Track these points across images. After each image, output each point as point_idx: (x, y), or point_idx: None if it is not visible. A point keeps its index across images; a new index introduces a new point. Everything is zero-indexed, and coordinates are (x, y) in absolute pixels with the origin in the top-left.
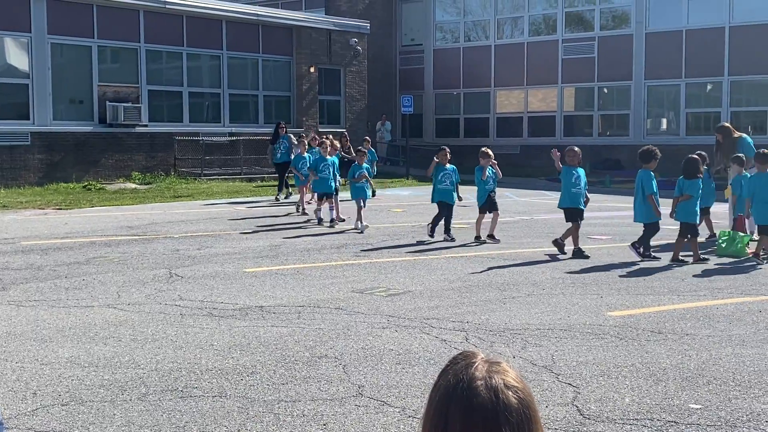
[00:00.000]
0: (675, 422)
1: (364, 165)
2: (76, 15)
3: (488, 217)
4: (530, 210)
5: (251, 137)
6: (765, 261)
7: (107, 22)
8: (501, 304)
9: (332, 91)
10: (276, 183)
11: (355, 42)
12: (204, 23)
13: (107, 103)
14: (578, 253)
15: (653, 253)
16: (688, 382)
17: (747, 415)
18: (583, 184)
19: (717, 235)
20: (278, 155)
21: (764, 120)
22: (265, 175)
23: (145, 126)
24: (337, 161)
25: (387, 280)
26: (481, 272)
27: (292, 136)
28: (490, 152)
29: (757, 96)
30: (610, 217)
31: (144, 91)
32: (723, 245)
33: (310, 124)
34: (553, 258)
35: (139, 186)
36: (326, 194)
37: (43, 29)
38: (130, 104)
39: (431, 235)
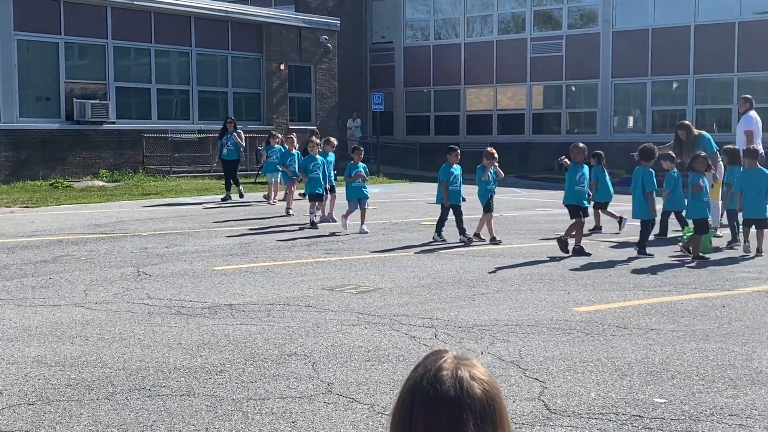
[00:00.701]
0: (639, 416)
1: (360, 164)
2: (43, 11)
3: (476, 214)
4: (498, 207)
5: None
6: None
7: (74, 19)
8: (470, 301)
9: (302, 88)
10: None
11: (326, 39)
12: (172, 19)
13: (74, 100)
14: (579, 251)
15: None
16: (652, 376)
17: (710, 409)
18: (586, 182)
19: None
20: (225, 151)
21: (729, 118)
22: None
23: (113, 123)
24: (332, 159)
25: (357, 277)
26: (450, 269)
27: (240, 131)
28: (495, 153)
29: (722, 94)
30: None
31: (111, 88)
32: (687, 240)
33: (280, 121)
34: (554, 258)
35: (106, 184)
36: (317, 195)
37: (10, 25)
38: (97, 101)
39: (439, 237)
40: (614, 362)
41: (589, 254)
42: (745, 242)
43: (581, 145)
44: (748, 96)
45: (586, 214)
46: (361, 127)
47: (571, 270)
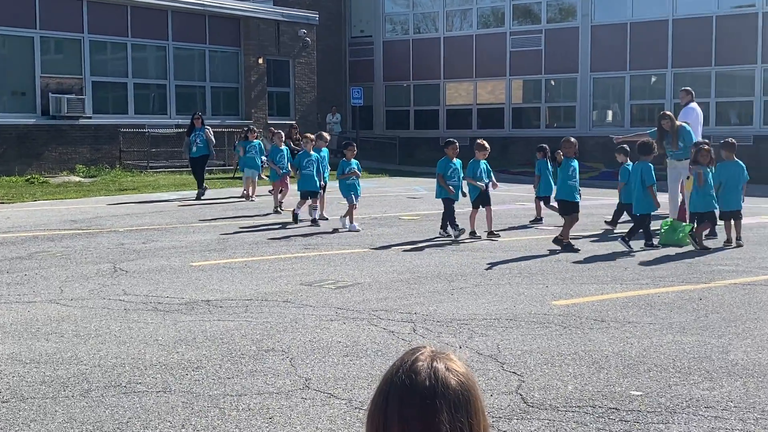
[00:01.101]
0: (616, 409)
1: (353, 161)
2: (18, 5)
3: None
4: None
5: None
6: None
7: (49, 13)
8: (449, 295)
9: (281, 82)
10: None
11: (304, 33)
12: (149, 13)
13: (50, 94)
14: (568, 247)
15: (630, 244)
16: (629, 369)
17: (686, 401)
18: (578, 176)
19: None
20: (194, 149)
21: (707, 111)
22: (213, 168)
23: (89, 118)
24: (326, 155)
25: (336, 272)
26: (429, 264)
27: (209, 128)
28: (487, 145)
29: (700, 88)
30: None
31: (88, 82)
32: (665, 234)
33: (258, 116)
34: (553, 251)
35: (83, 179)
36: (311, 193)
37: None
38: (73, 96)
39: (445, 233)
40: (591, 355)
41: (578, 250)
42: (728, 236)
43: (572, 139)
44: (689, 88)
45: (577, 210)
46: (341, 122)
47: (550, 264)
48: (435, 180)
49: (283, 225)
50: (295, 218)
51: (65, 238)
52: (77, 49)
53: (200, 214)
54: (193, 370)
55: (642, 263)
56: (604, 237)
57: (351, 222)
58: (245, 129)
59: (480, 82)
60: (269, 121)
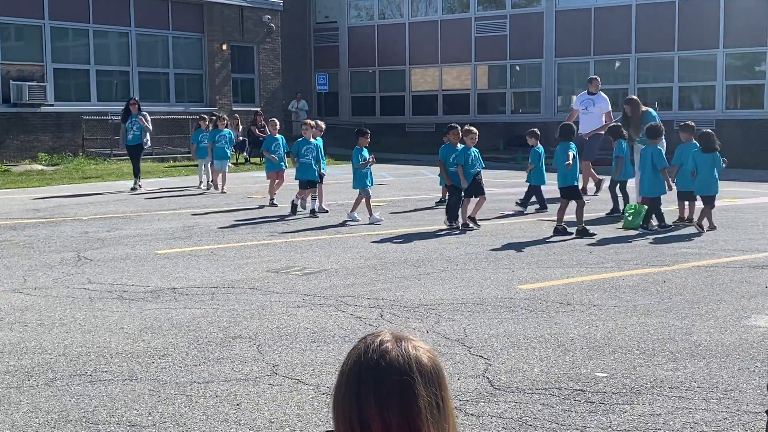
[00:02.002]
0: (582, 390)
1: (365, 149)
2: None
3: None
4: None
5: (162, 116)
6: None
7: None
8: (415, 281)
9: (246, 69)
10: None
11: (268, 19)
12: None
13: (11, 82)
14: (562, 231)
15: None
16: (594, 351)
17: (650, 382)
18: (577, 162)
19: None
20: (130, 136)
21: (670, 96)
22: (178, 155)
23: (51, 105)
24: (321, 144)
25: (303, 259)
26: (396, 249)
27: (146, 114)
28: (474, 129)
29: (663, 73)
30: (522, 193)
31: (49, 69)
32: (629, 218)
33: (223, 102)
34: (563, 238)
35: (46, 167)
36: (309, 182)
37: None
38: (34, 83)
39: (451, 224)
40: (557, 338)
41: (571, 233)
42: (681, 215)
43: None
44: (597, 77)
45: (579, 194)
46: (306, 110)
47: (516, 249)
48: (395, 166)
49: (282, 217)
50: (294, 209)
51: (28, 227)
52: (38, 35)
53: (187, 208)
54: (159, 358)
55: (606, 247)
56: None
57: (371, 213)
58: (213, 117)
59: (445, 68)
60: (234, 108)
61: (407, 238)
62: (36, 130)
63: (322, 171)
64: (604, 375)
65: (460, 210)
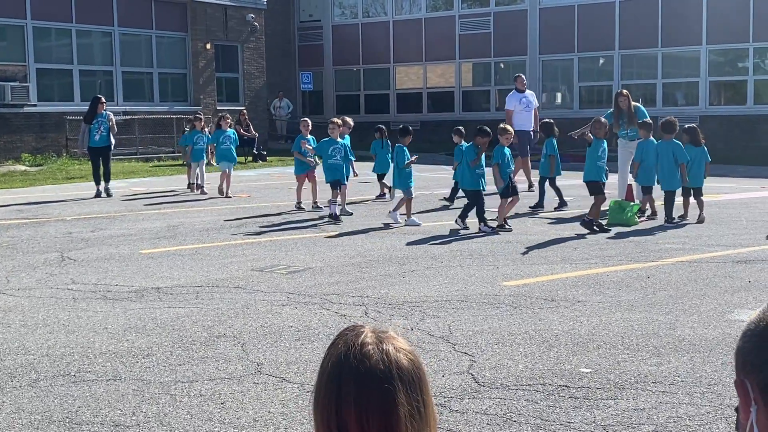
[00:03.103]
0: (566, 386)
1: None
2: None
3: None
4: (429, 185)
5: (147, 116)
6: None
7: None
8: (400, 278)
9: (230, 68)
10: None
11: (252, 18)
12: None
13: None
14: (589, 224)
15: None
16: (579, 347)
17: (634, 377)
18: (606, 157)
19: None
20: (96, 137)
21: (654, 92)
22: (162, 155)
23: (34, 106)
24: (348, 142)
25: (287, 257)
26: (381, 247)
27: (111, 114)
28: (510, 128)
29: (647, 69)
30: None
31: (32, 69)
32: (611, 214)
33: (208, 102)
34: (581, 236)
35: (29, 168)
36: (338, 183)
37: None
38: (17, 83)
39: (487, 227)
40: (542, 334)
41: (608, 230)
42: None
43: (603, 119)
44: (522, 75)
45: (603, 190)
46: (288, 108)
47: (501, 245)
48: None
49: (312, 221)
50: (335, 216)
51: (11, 228)
52: (20, 35)
53: (233, 220)
54: (143, 358)
55: (590, 243)
56: (562, 220)
57: (409, 216)
58: (219, 117)
59: (430, 66)
60: (218, 107)
61: (391, 236)
62: (19, 130)
63: (355, 172)
64: (589, 370)
65: (463, 212)
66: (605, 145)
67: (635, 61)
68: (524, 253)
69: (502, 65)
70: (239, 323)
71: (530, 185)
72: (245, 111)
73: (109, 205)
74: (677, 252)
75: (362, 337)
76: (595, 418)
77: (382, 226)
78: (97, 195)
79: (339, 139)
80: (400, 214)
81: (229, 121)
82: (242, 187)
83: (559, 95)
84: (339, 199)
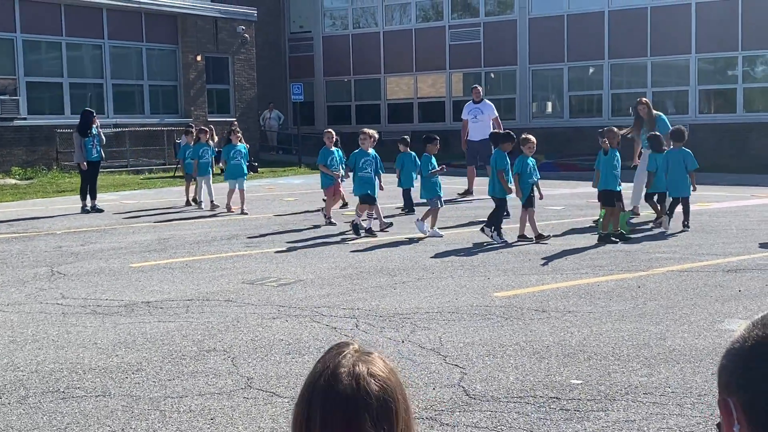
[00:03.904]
0: (557, 398)
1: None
2: None
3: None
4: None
5: (138, 128)
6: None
7: None
8: (391, 290)
9: (220, 79)
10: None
11: (243, 30)
12: (83, 11)
13: None
14: (606, 238)
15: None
16: (569, 358)
17: (625, 388)
18: (620, 166)
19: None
20: (94, 152)
21: None
22: (153, 167)
23: (24, 119)
24: (377, 156)
25: (278, 270)
26: (372, 259)
27: (99, 130)
28: (532, 138)
29: (637, 78)
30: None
31: (22, 82)
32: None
33: (198, 113)
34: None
35: (19, 182)
36: (369, 197)
37: None
38: (7, 97)
39: (500, 239)
40: (532, 345)
41: (616, 242)
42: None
43: (615, 129)
44: (479, 86)
45: (619, 199)
46: (279, 119)
47: (491, 256)
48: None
49: (341, 234)
50: (357, 229)
51: (1, 242)
52: (10, 48)
53: (258, 232)
54: (132, 373)
55: (581, 253)
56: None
57: (433, 226)
58: (230, 129)
59: (420, 76)
60: (209, 119)
61: (383, 247)
62: (9, 144)
63: (381, 185)
64: (579, 382)
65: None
66: (618, 154)
67: (625, 70)
68: (515, 264)
69: (492, 75)
70: (229, 337)
71: (468, 192)
72: (236, 122)
73: (99, 218)
74: (667, 261)
75: (340, 357)
76: (585, 430)
77: (360, 233)
78: (84, 211)
79: (370, 151)
80: (425, 223)
81: (239, 135)
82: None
83: (549, 104)
84: (372, 212)
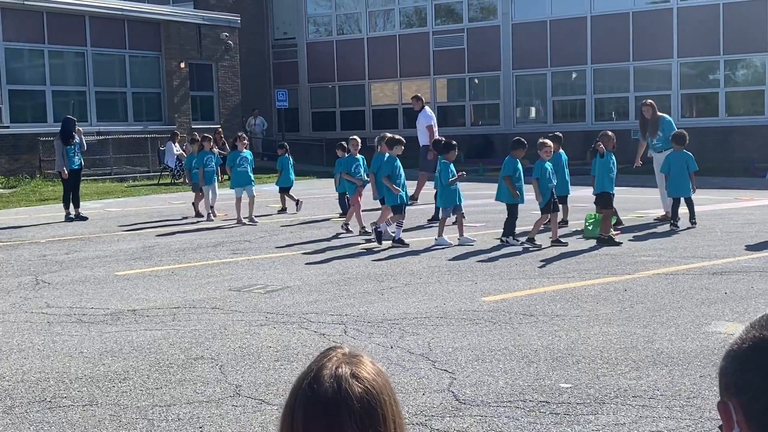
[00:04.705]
0: (546, 402)
1: (450, 164)
2: None
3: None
4: None
5: (121, 136)
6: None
7: None
8: (379, 295)
9: (204, 86)
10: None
11: (226, 36)
12: (66, 19)
13: None
14: (608, 241)
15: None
16: (558, 362)
17: (614, 392)
18: (616, 171)
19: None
20: (76, 160)
21: (626, 106)
22: (137, 175)
23: (7, 127)
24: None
25: (265, 276)
26: (359, 264)
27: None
28: (549, 142)
29: (619, 83)
30: (485, 204)
31: (4, 90)
32: (590, 228)
33: (182, 121)
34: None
35: (2, 190)
36: (401, 206)
37: None
38: None
39: (515, 241)
40: (521, 350)
41: (619, 243)
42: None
43: (610, 133)
44: (419, 95)
45: (609, 204)
46: (263, 125)
47: (479, 261)
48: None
49: (367, 243)
50: (401, 242)
51: None
52: None
53: (283, 242)
54: (120, 382)
55: (568, 257)
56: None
57: (461, 233)
58: (235, 137)
59: (404, 82)
60: (193, 126)
61: (370, 252)
62: None
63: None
64: (568, 386)
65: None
66: (614, 157)
67: (607, 74)
68: (503, 269)
69: (476, 80)
70: (217, 345)
71: (413, 197)
72: (221, 129)
73: (83, 226)
74: (653, 264)
75: (325, 360)
76: None
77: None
78: (68, 219)
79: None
80: (448, 236)
81: (246, 141)
82: (219, 206)
83: (533, 110)
84: (396, 223)
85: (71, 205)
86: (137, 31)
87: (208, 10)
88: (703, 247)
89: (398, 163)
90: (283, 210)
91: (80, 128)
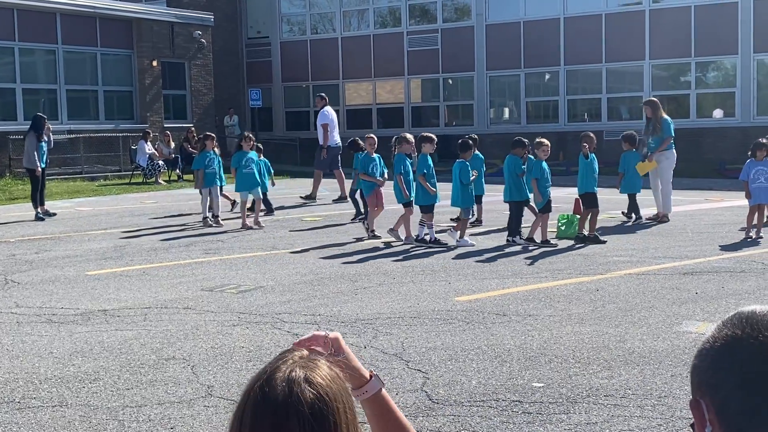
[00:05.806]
0: (519, 401)
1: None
2: None
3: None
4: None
5: (92, 134)
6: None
7: None
8: (352, 295)
9: (177, 85)
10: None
11: (199, 35)
12: (36, 16)
13: None
14: (595, 239)
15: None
16: (531, 361)
17: (586, 391)
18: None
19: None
20: (45, 158)
21: (599, 107)
22: (108, 174)
23: None
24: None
25: (238, 276)
26: (333, 264)
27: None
28: (546, 141)
29: (592, 84)
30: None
31: None
32: (562, 228)
33: (154, 119)
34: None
35: None
36: (431, 205)
37: None
38: None
39: (521, 240)
40: (494, 349)
41: (604, 241)
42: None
43: (591, 134)
44: (323, 94)
45: (596, 203)
46: (238, 124)
47: (453, 260)
48: (336, 181)
49: (385, 246)
50: (437, 242)
51: None
52: None
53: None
54: (90, 383)
55: (541, 257)
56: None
57: (462, 236)
58: (241, 136)
59: (379, 82)
60: (165, 125)
61: (344, 253)
62: None
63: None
64: (541, 385)
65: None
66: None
67: (580, 76)
68: (476, 269)
69: (450, 81)
70: (189, 345)
71: (310, 196)
72: (194, 129)
73: (53, 226)
74: (625, 264)
75: (281, 362)
76: None
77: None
78: (38, 218)
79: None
80: (459, 234)
81: (252, 142)
82: (191, 205)
83: (506, 110)
84: (431, 222)
85: (39, 204)
86: (109, 29)
87: (181, 8)
88: (674, 247)
89: (431, 161)
90: (234, 204)
91: (50, 125)
